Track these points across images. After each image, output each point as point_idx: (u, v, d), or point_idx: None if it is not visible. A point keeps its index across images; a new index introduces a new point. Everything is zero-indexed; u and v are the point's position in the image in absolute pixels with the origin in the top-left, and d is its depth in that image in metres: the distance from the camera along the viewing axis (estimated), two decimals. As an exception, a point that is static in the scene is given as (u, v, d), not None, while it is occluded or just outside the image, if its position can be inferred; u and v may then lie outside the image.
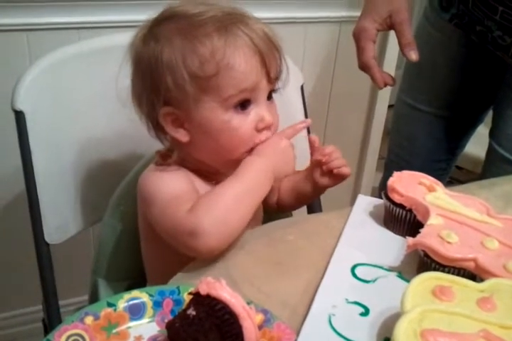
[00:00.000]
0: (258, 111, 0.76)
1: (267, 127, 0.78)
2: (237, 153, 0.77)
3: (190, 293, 0.58)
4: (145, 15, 1.05)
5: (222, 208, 0.70)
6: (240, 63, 0.73)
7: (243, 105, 0.75)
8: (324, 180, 0.90)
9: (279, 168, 0.78)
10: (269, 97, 0.79)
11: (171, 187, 0.76)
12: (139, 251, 0.88)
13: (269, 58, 0.75)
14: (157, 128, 0.79)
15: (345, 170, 0.88)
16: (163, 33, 0.74)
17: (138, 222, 0.85)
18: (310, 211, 1.10)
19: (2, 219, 1.38)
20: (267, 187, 0.76)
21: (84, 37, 1.27)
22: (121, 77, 0.78)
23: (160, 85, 0.74)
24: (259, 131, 0.77)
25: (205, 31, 0.72)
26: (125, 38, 0.97)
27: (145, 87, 0.76)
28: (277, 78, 0.78)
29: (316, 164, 0.90)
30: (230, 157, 0.77)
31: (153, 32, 0.75)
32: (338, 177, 0.89)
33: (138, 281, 0.88)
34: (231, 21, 0.74)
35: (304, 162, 0.94)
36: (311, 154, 0.91)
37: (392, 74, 1.05)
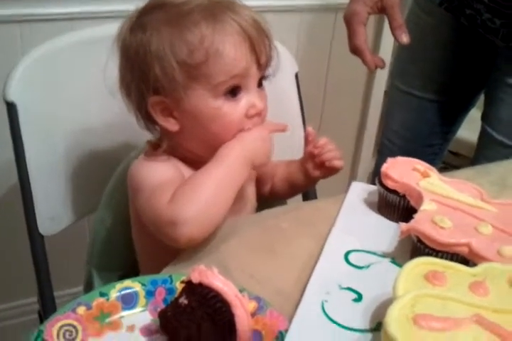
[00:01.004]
0: (249, 98, 0.76)
1: (258, 114, 0.77)
2: (226, 140, 0.77)
3: (182, 282, 0.58)
4: (137, 6, 1.05)
5: (202, 197, 0.70)
6: (230, 49, 0.72)
7: (233, 92, 0.75)
8: (316, 172, 0.91)
9: (256, 156, 0.77)
10: (260, 84, 0.78)
11: (158, 175, 0.76)
12: (132, 241, 0.88)
13: (259, 44, 0.75)
14: (146, 118, 0.79)
15: (337, 163, 0.89)
16: (150, 22, 0.74)
17: (130, 212, 0.85)
18: (305, 198, 1.10)
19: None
20: (245, 173, 0.76)
21: (77, 28, 1.25)
22: (110, 67, 0.78)
23: (148, 74, 0.73)
24: (249, 117, 0.77)
25: (193, 19, 0.72)
26: (117, 29, 0.98)
27: (133, 77, 0.76)
28: (267, 65, 0.78)
29: (309, 156, 0.90)
30: (219, 144, 0.77)
31: (140, 21, 0.75)
32: (330, 170, 0.90)
33: (131, 271, 0.88)
34: (219, 9, 0.73)
35: (298, 152, 0.94)
36: (305, 145, 0.91)
37: (388, 59, 1.05)
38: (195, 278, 0.56)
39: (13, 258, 1.38)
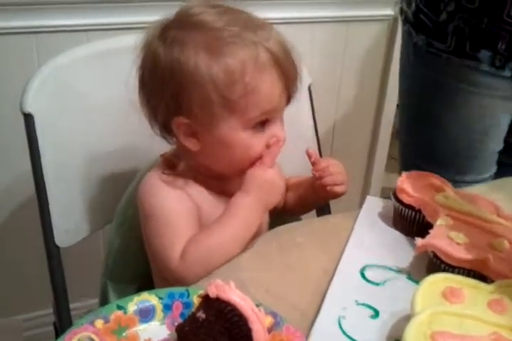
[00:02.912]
0: (273, 129, 0.78)
1: (277, 143, 0.78)
2: (245, 166, 0.78)
3: (199, 296, 0.58)
4: (153, 17, 1.07)
5: (212, 259, 0.73)
6: (266, 87, 0.73)
7: (262, 124, 0.77)
8: (323, 193, 0.90)
9: (269, 199, 0.79)
10: None
11: (170, 206, 0.78)
12: (147, 253, 0.88)
13: (292, 81, 0.77)
14: (165, 130, 0.79)
15: (338, 188, 0.88)
16: (187, 41, 0.73)
17: None
18: (319, 212, 1.09)
19: (13, 222, 1.39)
20: (260, 218, 0.79)
21: (93, 39, 1.27)
22: (132, 77, 0.78)
23: (182, 96, 0.74)
24: (268, 147, 0.78)
25: (235, 51, 0.72)
26: (133, 40, 0.98)
27: (162, 93, 0.75)
28: (294, 96, 0.80)
29: (314, 177, 0.90)
30: (237, 166, 0.79)
31: (175, 36, 0.74)
32: (332, 194, 0.89)
33: (146, 284, 0.88)
34: (257, 38, 0.73)
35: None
36: (311, 164, 0.91)
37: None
38: (213, 293, 0.56)
39: (28, 269, 1.39)
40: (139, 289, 0.87)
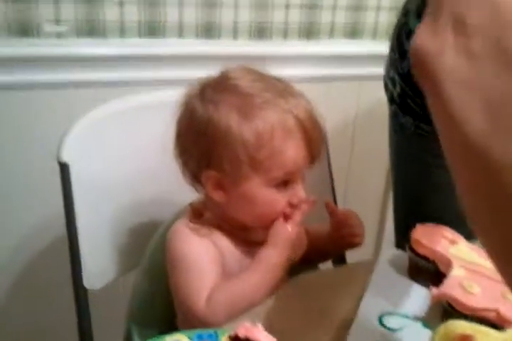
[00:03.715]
0: (295, 188, 0.83)
1: (299, 203, 0.83)
2: (268, 220, 0.83)
3: (229, 337, 0.62)
4: (178, 74, 1.14)
5: (236, 307, 0.77)
6: (291, 150, 0.79)
7: (285, 184, 0.82)
8: (340, 244, 0.95)
9: (293, 254, 0.84)
10: None
11: (196, 254, 0.83)
12: (172, 299, 0.92)
13: (316, 146, 0.82)
14: (195, 180, 0.85)
15: (355, 240, 0.93)
16: (222, 102, 0.80)
17: None
18: (334, 260, 1.13)
19: (41, 261, 1.43)
20: (281, 274, 0.82)
21: (120, 94, 1.35)
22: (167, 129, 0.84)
23: (213, 153, 0.80)
24: (291, 205, 0.83)
25: (265, 116, 0.78)
26: (163, 96, 1.06)
27: (196, 147, 0.82)
28: (317, 159, 0.85)
29: (331, 227, 0.95)
30: (261, 220, 0.84)
31: (211, 96, 0.81)
32: (348, 244, 0.94)
33: (171, 329, 0.91)
34: (287, 105, 0.79)
35: (327, 216, 0.97)
36: (329, 216, 0.96)
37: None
38: (242, 334, 0.60)
39: (52, 309, 1.42)
40: (163, 333, 0.91)
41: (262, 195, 0.81)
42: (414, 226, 0.84)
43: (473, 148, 0.41)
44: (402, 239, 0.89)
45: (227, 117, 0.79)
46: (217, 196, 0.83)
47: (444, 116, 0.43)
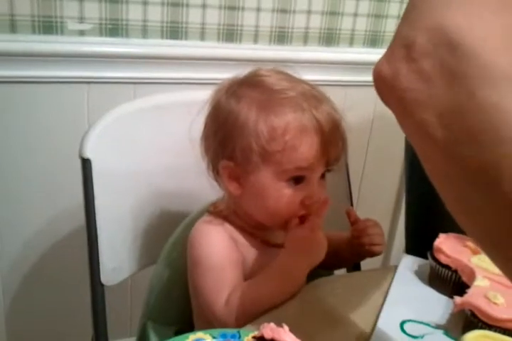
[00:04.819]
0: (308, 189, 0.82)
1: (312, 204, 0.82)
2: (282, 219, 0.83)
3: (254, 337, 0.62)
4: (191, 74, 1.14)
5: (254, 310, 0.77)
6: (305, 148, 0.78)
7: (296, 180, 0.81)
8: (359, 252, 0.94)
9: (315, 259, 0.83)
10: (323, 175, 0.84)
11: (217, 255, 0.83)
12: (189, 297, 0.92)
13: (334, 151, 0.81)
14: (215, 173, 0.86)
15: (375, 248, 0.93)
16: (245, 96, 0.81)
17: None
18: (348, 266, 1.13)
19: (58, 256, 1.43)
20: (302, 280, 0.82)
21: (139, 91, 1.36)
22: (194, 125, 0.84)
23: (229, 142, 0.81)
24: (304, 206, 0.82)
25: (283, 111, 0.78)
26: (185, 95, 1.07)
27: (216, 138, 0.83)
28: (335, 163, 0.84)
29: (352, 235, 0.94)
30: (276, 219, 0.83)
31: (236, 91, 0.82)
32: (368, 253, 0.94)
33: (187, 326, 0.91)
34: (307, 105, 0.79)
35: (346, 221, 0.97)
36: (350, 224, 0.95)
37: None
38: (268, 334, 0.60)
39: (69, 305, 1.43)
40: (178, 332, 0.91)
41: (272, 187, 0.81)
42: (426, 234, 0.84)
43: (444, 158, 0.46)
44: (413, 245, 0.88)
45: (247, 110, 0.79)
46: (232, 187, 0.83)
47: (415, 135, 0.49)
